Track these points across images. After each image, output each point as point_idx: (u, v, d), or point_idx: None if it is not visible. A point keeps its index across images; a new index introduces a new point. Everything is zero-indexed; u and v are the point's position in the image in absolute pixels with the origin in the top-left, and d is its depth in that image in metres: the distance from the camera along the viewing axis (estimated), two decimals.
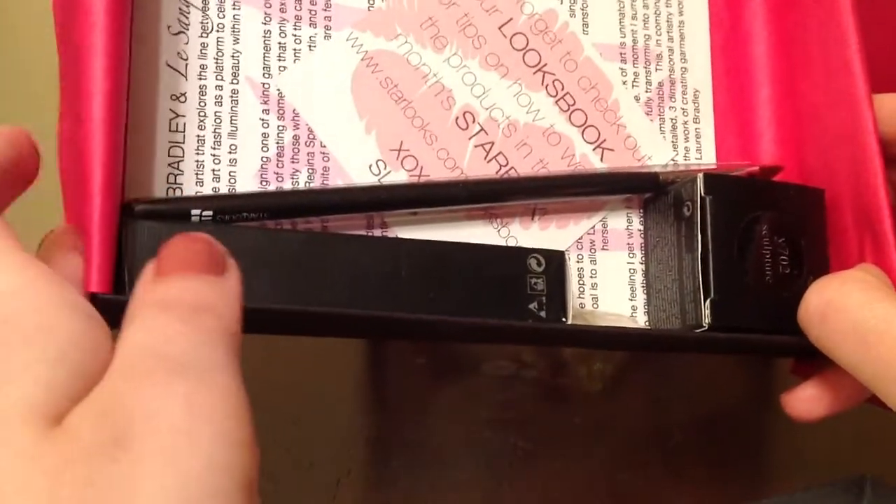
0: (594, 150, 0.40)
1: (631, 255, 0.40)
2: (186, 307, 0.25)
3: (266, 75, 0.37)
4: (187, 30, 0.36)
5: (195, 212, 0.33)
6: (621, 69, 0.41)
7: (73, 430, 0.22)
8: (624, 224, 0.40)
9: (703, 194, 0.37)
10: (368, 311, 0.33)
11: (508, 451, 0.45)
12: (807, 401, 0.38)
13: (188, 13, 0.36)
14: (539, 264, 0.36)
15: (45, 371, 0.22)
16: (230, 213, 0.34)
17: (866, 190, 0.37)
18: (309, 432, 0.44)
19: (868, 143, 0.37)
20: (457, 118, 0.39)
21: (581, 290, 0.39)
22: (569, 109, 0.40)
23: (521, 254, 0.36)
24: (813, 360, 0.39)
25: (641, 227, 0.40)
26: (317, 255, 0.34)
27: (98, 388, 0.23)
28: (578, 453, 0.45)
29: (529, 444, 0.44)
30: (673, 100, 0.41)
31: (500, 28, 0.40)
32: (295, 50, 0.37)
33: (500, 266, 0.36)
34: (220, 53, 0.36)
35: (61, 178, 0.32)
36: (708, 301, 0.36)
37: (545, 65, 0.40)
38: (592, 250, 0.39)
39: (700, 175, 0.37)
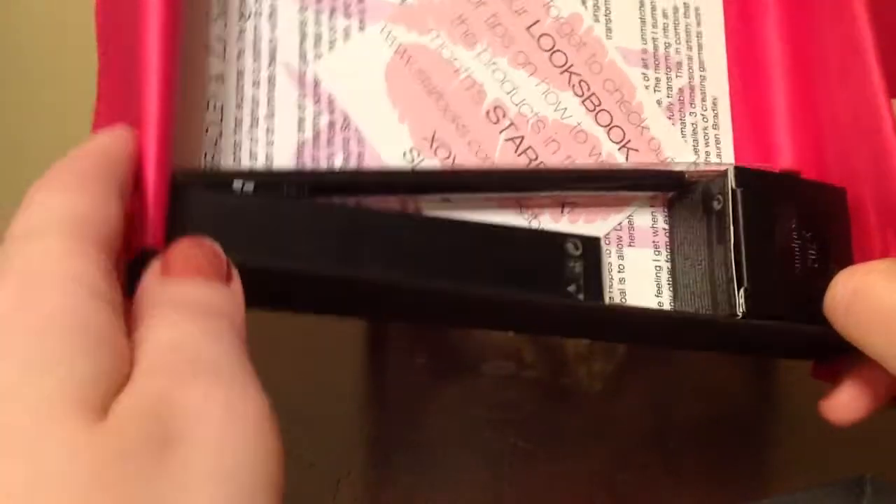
0: (619, 149, 0.40)
1: (657, 253, 0.40)
2: (205, 312, 0.25)
3: (303, 62, 0.37)
4: (225, 15, 0.36)
5: (237, 183, 0.33)
6: (643, 74, 0.42)
7: (117, 427, 0.22)
8: (649, 222, 0.40)
9: (734, 187, 0.37)
10: (406, 280, 0.33)
11: (508, 451, 0.44)
12: (846, 405, 0.38)
13: (225, 6, 0.37)
14: (576, 248, 0.36)
15: (83, 363, 0.22)
16: (271, 185, 0.34)
17: (889, 189, 0.38)
18: (309, 432, 0.43)
19: (889, 144, 0.38)
20: (487, 112, 0.39)
21: (610, 284, 0.39)
22: (595, 109, 0.40)
23: (557, 238, 0.37)
24: (836, 360, 0.39)
25: (666, 226, 0.40)
26: (356, 230, 0.34)
27: (138, 386, 0.23)
28: (578, 453, 0.45)
29: (529, 445, 0.44)
30: (693, 106, 0.42)
31: (527, 29, 0.40)
32: (330, 40, 0.38)
33: (538, 249, 0.36)
34: (257, 38, 0.37)
35: None
36: (742, 290, 0.36)
37: (571, 66, 0.41)
38: (619, 246, 0.39)
39: (731, 168, 0.37)
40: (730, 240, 0.37)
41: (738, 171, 0.37)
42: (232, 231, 0.32)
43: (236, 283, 0.27)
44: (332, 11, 0.38)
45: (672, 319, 0.37)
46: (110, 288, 0.25)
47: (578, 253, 0.36)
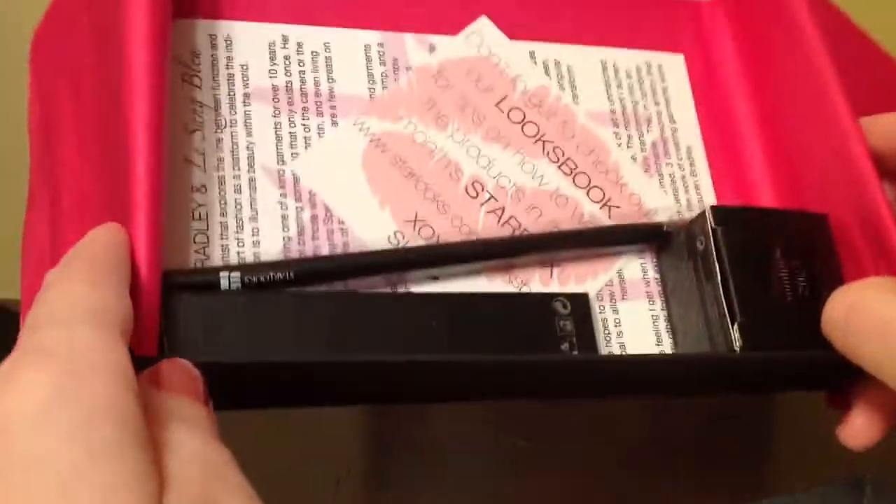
0: (601, 208, 0.41)
1: (651, 303, 0.40)
2: (210, 431, 0.27)
3: (280, 162, 0.38)
4: (202, 128, 0.38)
5: (224, 274, 0.34)
6: (615, 133, 0.43)
7: None
8: (640, 274, 0.41)
9: (713, 226, 0.38)
10: (400, 357, 0.33)
11: (508, 450, 0.44)
12: (861, 430, 0.38)
13: (202, 113, 0.38)
14: (565, 307, 0.37)
15: (135, 455, 0.23)
16: (258, 274, 0.35)
17: (870, 211, 0.38)
18: (309, 432, 0.43)
19: (863, 166, 0.39)
20: (466, 188, 0.40)
21: (608, 340, 0.39)
22: (571, 173, 0.41)
23: (545, 299, 0.37)
24: (845, 387, 0.39)
25: (657, 276, 0.41)
26: (346, 316, 0.35)
27: (183, 487, 0.24)
28: (579, 453, 0.44)
29: (529, 444, 0.44)
30: (668, 157, 0.43)
31: (496, 105, 0.42)
32: (305, 137, 0.39)
33: (527, 313, 0.37)
34: (234, 146, 0.38)
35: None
36: (735, 325, 0.37)
37: (543, 135, 0.42)
38: (613, 301, 0.40)
39: (708, 208, 0.38)
40: (717, 277, 0.37)
41: (715, 209, 0.38)
42: (222, 332, 0.33)
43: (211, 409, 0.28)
44: (304, 111, 0.39)
45: (670, 361, 0.38)
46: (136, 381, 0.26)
47: (567, 311, 0.37)
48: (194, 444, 0.25)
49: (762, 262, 0.38)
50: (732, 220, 0.38)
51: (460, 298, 0.36)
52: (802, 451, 0.46)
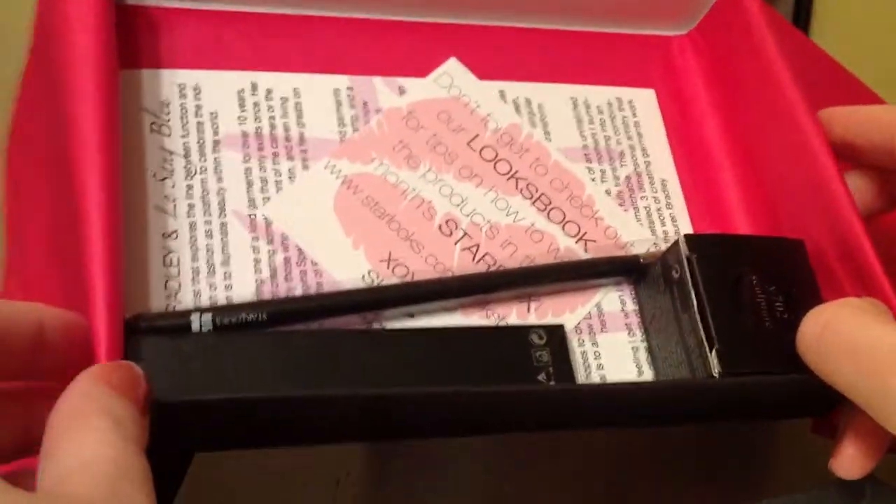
0: (577, 242, 0.41)
1: (631, 335, 0.40)
2: (134, 438, 0.26)
3: (251, 206, 0.38)
4: (172, 175, 0.38)
5: (195, 317, 0.34)
6: (588, 168, 0.43)
7: None
8: (618, 306, 0.40)
9: (687, 254, 0.38)
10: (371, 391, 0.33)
11: (508, 450, 0.43)
12: (854, 460, 0.37)
13: (171, 160, 0.38)
14: (540, 338, 0.37)
15: None
16: (230, 316, 0.34)
17: (846, 234, 0.38)
18: None
19: (836, 190, 0.38)
20: (440, 226, 0.40)
21: (587, 372, 0.39)
22: (546, 209, 0.41)
23: (521, 331, 0.37)
24: (830, 414, 0.38)
25: (636, 307, 0.41)
26: (320, 354, 0.34)
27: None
28: (578, 453, 0.44)
29: (529, 444, 0.43)
30: (643, 190, 0.43)
31: (468, 144, 0.42)
32: (276, 182, 0.39)
33: (503, 345, 0.36)
34: (205, 192, 0.38)
35: None
36: (714, 351, 0.36)
37: (516, 171, 0.42)
38: (592, 334, 0.40)
39: (681, 236, 0.38)
40: (693, 305, 0.37)
41: (689, 237, 0.38)
42: (192, 374, 0.32)
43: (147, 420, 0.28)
44: (275, 157, 0.39)
45: (648, 388, 0.37)
46: None
47: (543, 342, 0.37)
48: (115, 440, 0.25)
49: (738, 288, 0.38)
50: (706, 247, 0.38)
51: (435, 333, 0.36)
52: (803, 451, 0.46)
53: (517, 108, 0.43)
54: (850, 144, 0.40)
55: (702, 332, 0.37)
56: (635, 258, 0.40)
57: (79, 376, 0.27)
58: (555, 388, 0.35)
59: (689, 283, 0.37)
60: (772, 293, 0.38)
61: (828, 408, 0.38)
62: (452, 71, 0.43)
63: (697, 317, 0.37)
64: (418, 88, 0.42)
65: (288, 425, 0.32)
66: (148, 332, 0.33)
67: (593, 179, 0.43)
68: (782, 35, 0.43)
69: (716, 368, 0.36)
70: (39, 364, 0.29)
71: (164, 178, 0.38)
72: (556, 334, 0.37)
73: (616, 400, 0.36)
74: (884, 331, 0.33)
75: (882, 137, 0.39)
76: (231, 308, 0.35)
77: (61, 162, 0.33)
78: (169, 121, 0.39)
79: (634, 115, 0.45)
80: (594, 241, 0.41)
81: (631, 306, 0.41)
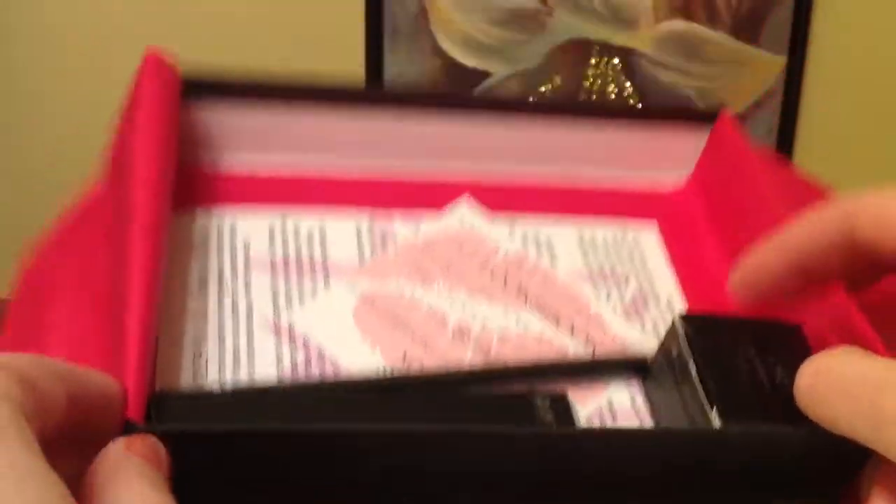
0: (586, 348, 0.43)
1: (642, 426, 0.41)
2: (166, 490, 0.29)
3: (276, 315, 0.42)
4: (206, 289, 0.42)
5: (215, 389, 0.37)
6: (594, 289, 0.46)
7: None
8: (629, 402, 0.42)
9: (684, 330, 0.40)
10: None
11: None
12: None
13: (206, 282, 0.42)
14: (544, 400, 0.38)
15: None
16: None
17: (845, 320, 0.40)
18: None
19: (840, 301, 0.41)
20: (452, 332, 0.43)
21: None
22: (556, 322, 0.44)
23: (525, 396, 0.39)
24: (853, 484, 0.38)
25: (646, 404, 0.42)
26: (335, 408, 0.36)
27: None
28: None
29: None
30: (648, 308, 0.45)
31: (479, 266, 0.45)
32: (300, 297, 0.43)
33: (506, 410, 0.38)
34: (235, 304, 0.42)
35: None
36: (714, 408, 0.37)
37: (526, 289, 0.45)
38: (603, 425, 0.41)
39: (677, 316, 0.40)
40: (691, 372, 0.38)
41: (685, 317, 0.40)
42: (210, 413, 0.35)
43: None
44: (300, 276, 0.43)
45: (649, 437, 0.38)
46: None
47: (547, 404, 0.38)
48: (154, 492, 0.27)
49: (736, 356, 0.39)
50: (702, 325, 0.40)
51: (441, 397, 0.38)
52: None
53: (525, 241, 0.47)
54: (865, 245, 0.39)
55: (701, 395, 0.38)
56: (643, 358, 0.42)
57: (110, 444, 0.29)
58: (551, 432, 0.36)
59: (688, 356, 0.39)
60: (770, 364, 0.39)
61: (846, 475, 0.38)
62: (465, 208, 0.47)
63: (696, 381, 0.38)
64: (433, 223, 0.46)
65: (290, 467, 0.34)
66: (171, 400, 0.36)
67: (599, 298, 0.45)
68: (770, 165, 0.46)
69: (716, 422, 0.37)
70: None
71: (199, 294, 0.42)
72: (560, 400, 0.38)
73: (615, 451, 0.37)
74: (871, 364, 0.34)
75: None
76: (251, 388, 0.38)
77: (118, 259, 0.38)
78: (206, 252, 0.43)
79: (638, 245, 0.48)
80: (602, 346, 0.43)
81: (640, 402, 0.42)
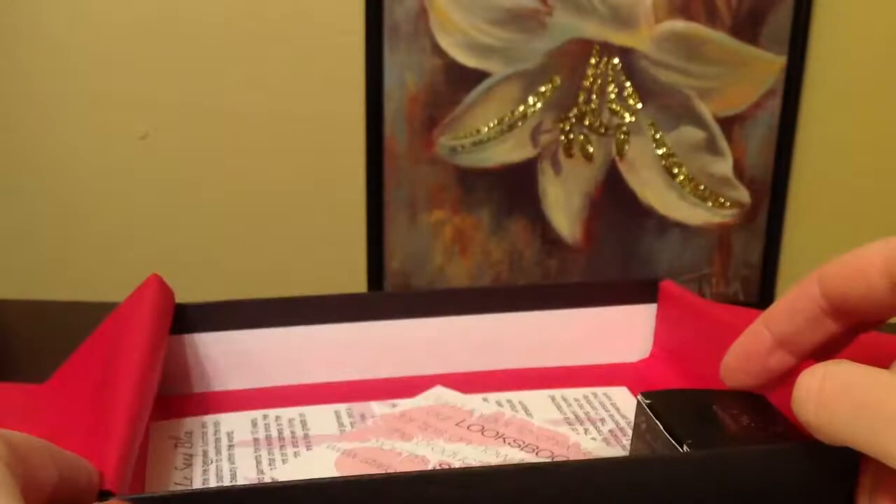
0: None
1: None
2: None
3: (259, 473, 0.43)
4: (191, 465, 0.44)
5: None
6: (572, 429, 0.46)
7: None
8: None
9: (646, 402, 0.41)
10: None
11: None
12: None
13: (191, 459, 0.44)
14: None
15: None
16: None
17: None
18: None
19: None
20: (434, 468, 0.43)
21: None
22: (535, 451, 0.44)
23: None
24: None
25: None
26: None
27: None
28: None
29: None
30: (627, 437, 0.46)
31: (456, 424, 0.46)
32: (283, 459, 0.44)
33: None
34: (219, 471, 0.43)
35: None
36: (685, 446, 0.38)
37: (504, 434, 0.46)
38: None
39: (639, 396, 0.41)
40: (660, 429, 0.39)
41: (645, 393, 0.41)
42: None
43: None
44: (282, 446, 0.45)
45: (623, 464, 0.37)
46: None
47: None
48: None
49: (701, 412, 0.40)
50: (665, 395, 0.41)
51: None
52: None
53: (500, 405, 0.48)
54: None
55: (669, 438, 0.38)
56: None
57: None
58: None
59: (657, 422, 0.39)
60: (735, 414, 0.40)
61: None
62: (439, 388, 0.49)
63: (666, 434, 0.38)
64: (409, 402, 0.48)
65: None
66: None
67: (577, 432, 0.46)
68: (725, 309, 0.49)
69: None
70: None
71: (184, 468, 0.43)
72: None
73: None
74: (873, 370, 0.34)
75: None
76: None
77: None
78: (191, 441, 0.45)
79: (610, 398, 0.49)
80: None
81: None
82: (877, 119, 1.04)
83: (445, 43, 0.99)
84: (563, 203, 1.05)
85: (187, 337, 0.50)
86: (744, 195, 1.05)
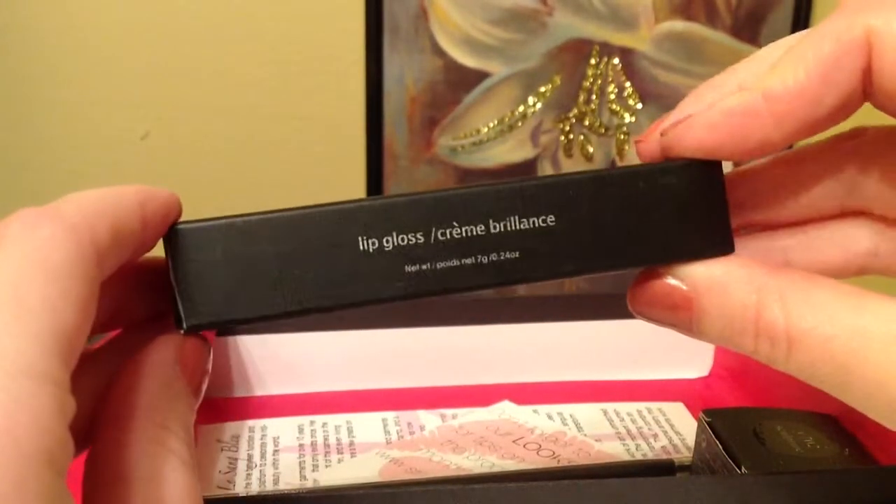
0: None
1: None
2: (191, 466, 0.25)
3: (302, 478, 0.42)
4: (235, 468, 0.43)
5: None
6: (625, 446, 0.46)
7: None
8: None
9: (707, 420, 0.40)
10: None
11: None
12: None
13: (236, 463, 0.43)
14: None
15: None
16: None
17: None
18: None
19: None
20: None
21: None
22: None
23: None
24: None
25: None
26: None
27: None
28: None
29: None
30: (679, 452, 0.45)
31: (514, 441, 0.46)
32: (327, 464, 0.43)
33: None
34: (262, 475, 0.42)
35: None
36: (741, 468, 0.37)
37: (559, 456, 0.45)
38: None
39: (701, 414, 0.41)
40: (719, 448, 0.38)
41: (706, 411, 0.40)
42: None
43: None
44: (327, 453, 0.44)
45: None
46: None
47: None
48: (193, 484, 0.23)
49: (764, 434, 0.39)
50: (727, 413, 0.40)
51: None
52: None
53: (550, 417, 0.48)
54: None
55: (730, 461, 0.37)
56: (669, 460, 0.42)
57: (160, 346, 0.25)
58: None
59: (713, 435, 0.39)
60: (800, 435, 0.39)
61: None
62: (505, 406, 0.49)
63: (725, 454, 0.38)
64: (471, 415, 0.48)
65: None
66: None
67: (630, 453, 0.45)
68: None
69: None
70: (147, 242, 0.26)
71: (229, 472, 0.42)
72: None
73: None
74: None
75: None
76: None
77: None
78: (237, 444, 0.45)
79: (664, 413, 0.48)
80: None
81: None
82: (876, 120, 1.03)
83: (445, 43, 0.98)
84: None
85: (231, 339, 0.49)
86: None
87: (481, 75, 1.00)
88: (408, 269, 0.25)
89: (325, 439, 0.45)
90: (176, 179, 0.99)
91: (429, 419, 0.47)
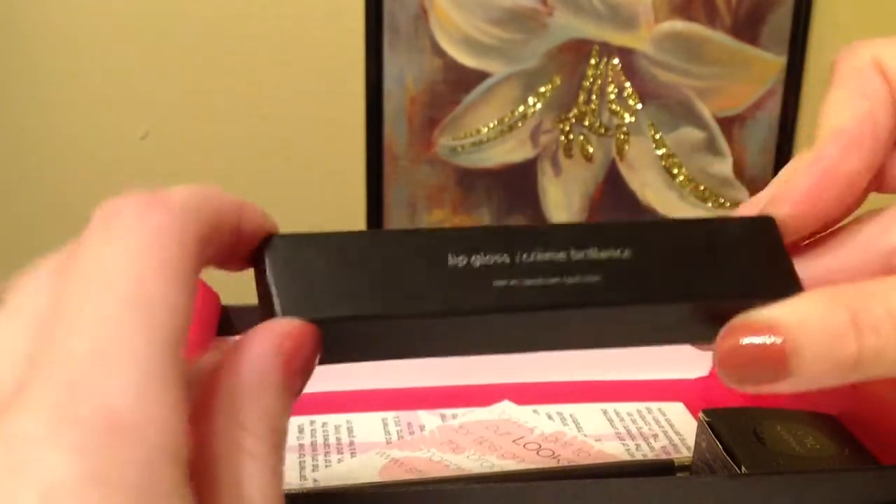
0: None
1: None
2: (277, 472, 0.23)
3: (301, 479, 0.42)
4: None
5: None
6: (624, 446, 0.46)
7: None
8: None
9: (706, 420, 0.40)
10: None
11: None
12: None
13: None
14: None
15: None
16: None
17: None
18: None
19: None
20: None
21: None
22: None
23: None
24: None
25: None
26: None
27: None
28: None
29: None
30: (679, 453, 0.45)
31: (513, 441, 0.46)
32: (326, 464, 0.43)
33: None
34: None
35: None
36: (741, 468, 0.37)
37: (559, 455, 0.45)
38: None
39: (701, 413, 0.41)
40: (719, 448, 0.38)
41: (706, 411, 0.40)
42: None
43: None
44: (327, 453, 0.44)
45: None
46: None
47: None
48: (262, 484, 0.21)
49: (761, 432, 0.39)
50: (727, 413, 0.40)
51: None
52: None
53: (550, 417, 0.48)
54: None
55: (730, 461, 0.37)
56: (669, 460, 0.42)
57: (259, 334, 0.25)
58: None
59: (712, 434, 0.39)
60: (800, 435, 0.39)
61: None
62: (505, 406, 0.48)
63: (724, 454, 0.38)
64: (471, 415, 0.48)
65: None
66: None
67: (629, 453, 0.45)
68: None
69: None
70: (240, 248, 0.27)
71: None
72: None
73: None
74: None
75: None
76: None
77: None
78: None
79: (664, 413, 0.48)
80: None
81: None
82: None
83: (445, 43, 0.98)
84: (563, 203, 1.05)
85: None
86: (744, 195, 1.04)
87: (481, 75, 1.00)
88: (496, 283, 0.27)
89: (325, 439, 0.45)
90: (176, 179, 0.98)
91: (429, 419, 0.47)
